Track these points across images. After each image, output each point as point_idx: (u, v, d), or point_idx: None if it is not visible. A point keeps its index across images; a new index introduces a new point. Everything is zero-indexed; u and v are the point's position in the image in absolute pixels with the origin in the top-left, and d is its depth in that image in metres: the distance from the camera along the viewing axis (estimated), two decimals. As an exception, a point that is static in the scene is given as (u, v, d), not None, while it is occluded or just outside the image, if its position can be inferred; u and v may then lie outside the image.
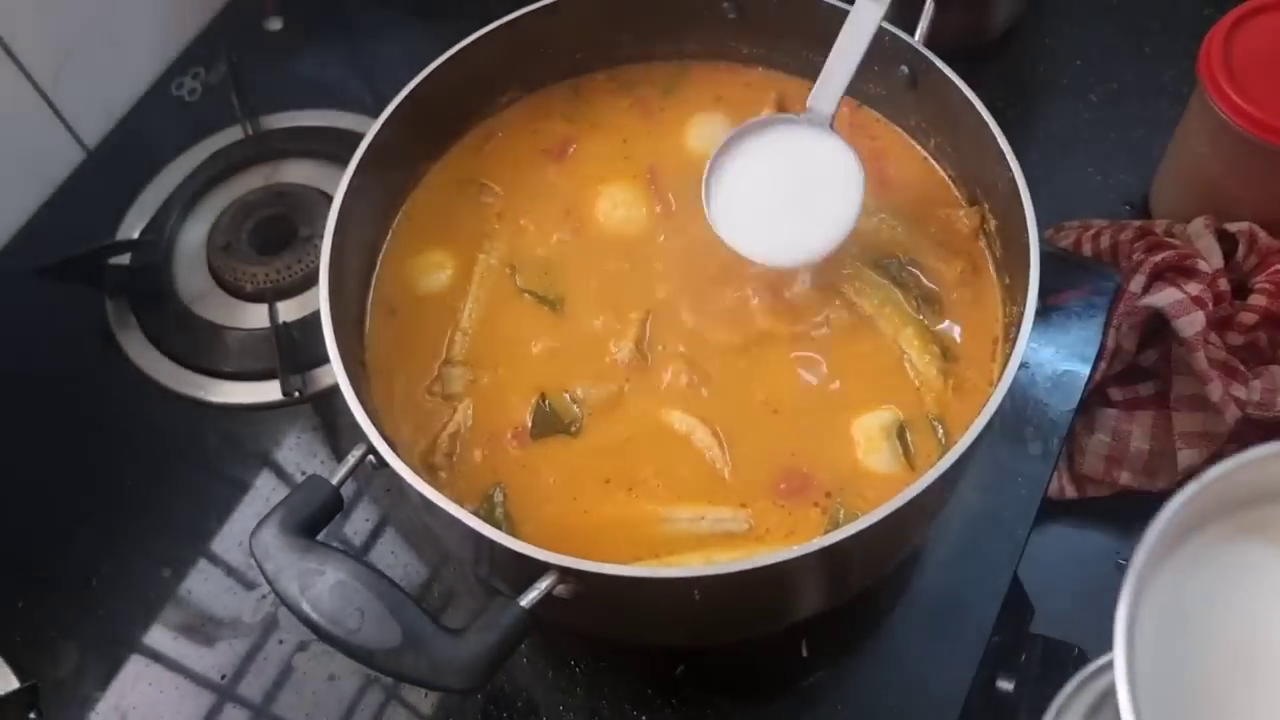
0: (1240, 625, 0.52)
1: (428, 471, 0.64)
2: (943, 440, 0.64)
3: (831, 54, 0.68)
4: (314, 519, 0.55)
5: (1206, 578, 0.54)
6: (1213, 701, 0.50)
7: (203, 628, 0.76)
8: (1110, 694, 0.69)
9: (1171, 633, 0.51)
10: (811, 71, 0.77)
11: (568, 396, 0.67)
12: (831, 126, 0.68)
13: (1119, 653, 0.46)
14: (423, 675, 0.50)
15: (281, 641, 0.75)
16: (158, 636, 0.76)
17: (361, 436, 0.58)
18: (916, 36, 0.69)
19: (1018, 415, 0.79)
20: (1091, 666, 0.70)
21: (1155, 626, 0.50)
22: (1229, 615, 0.53)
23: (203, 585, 0.78)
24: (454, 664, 0.50)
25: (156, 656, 0.75)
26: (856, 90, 0.76)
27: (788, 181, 0.69)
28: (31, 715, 0.72)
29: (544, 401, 0.67)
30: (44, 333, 0.89)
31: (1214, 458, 0.86)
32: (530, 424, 0.66)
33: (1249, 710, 0.50)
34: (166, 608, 0.77)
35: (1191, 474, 0.85)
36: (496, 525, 0.59)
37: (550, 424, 0.66)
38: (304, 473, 0.81)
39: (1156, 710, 0.46)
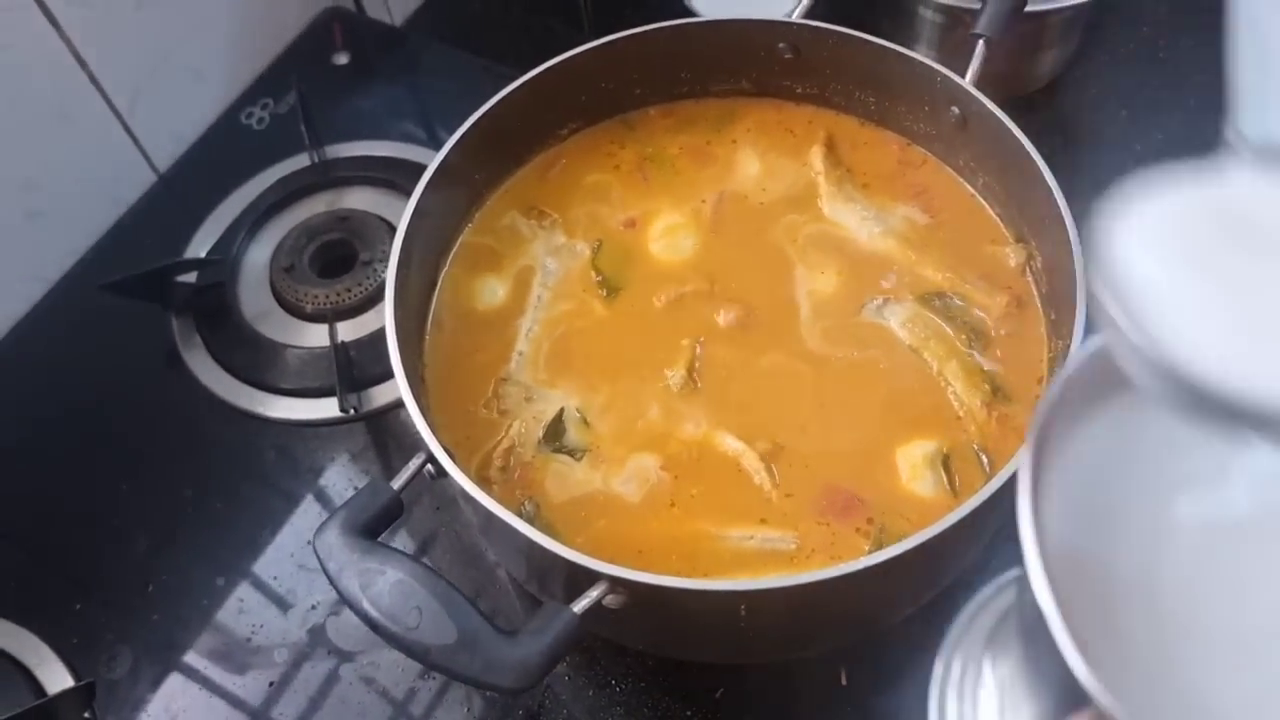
0: (1150, 507, 0.44)
1: (481, 483, 0.66)
2: (987, 470, 0.65)
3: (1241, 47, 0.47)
4: (375, 522, 0.57)
5: (1111, 461, 0.44)
6: (1136, 589, 0.43)
7: (254, 636, 0.78)
8: (1010, 610, 0.61)
9: (1086, 509, 0.44)
10: (862, 111, 0.80)
11: (579, 417, 0.69)
12: None
13: (1025, 524, 0.40)
14: (476, 673, 0.51)
15: (329, 653, 0.76)
16: (209, 643, 0.78)
17: (422, 446, 0.60)
18: (967, 78, 0.71)
19: (1060, 453, 0.80)
20: (987, 590, 0.64)
21: (1067, 504, 0.43)
22: (1137, 497, 0.44)
23: (254, 594, 0.79)
24: (507, 664, 0.51)
25: (207, 663, 0.77)
26: (907, 129, 0.78)
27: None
28: (86, 715, 0.74)
29: (560, 417, 0.69)
30: (112, 346, 0.92)
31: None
32: (542, 435, 0.68)
33: (1176, 594, 0.43)
34: (219, 615, 0.78)
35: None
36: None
37: (559, 439, 0.68)
38: (355, 488, 0.83)
39: (1076, 604, 0.38)
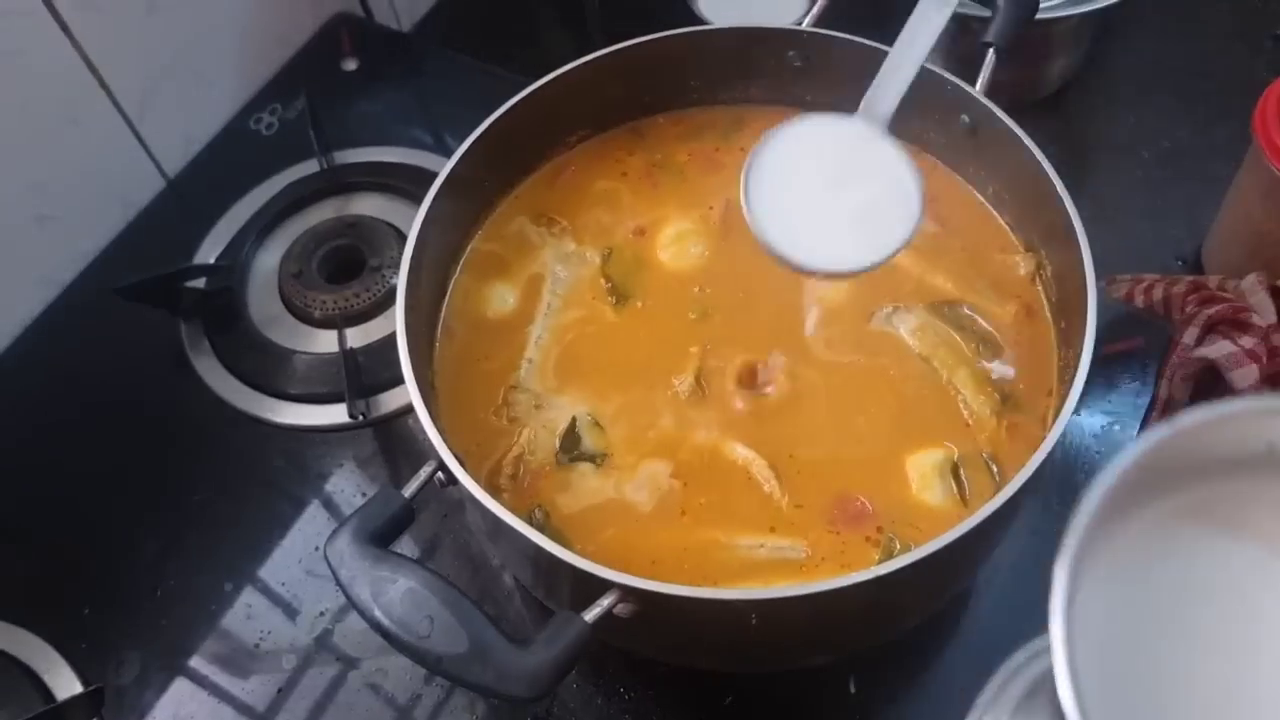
0: (1186, 616, 0.47)
1: (491, 491, 0.66)
2: (997, 478, 0.65)
3: (891, 51, 0.65)
4: (386, 530, 0.57)
5: (1148, 564, 0.48)
6: (1159, 693, 0.46)
7: (261, 641, 0.78)
8: (1043, 682, 0.64)
9: (1113, 619, 0.46)
10: (872, 119, 0.80)
11: (592, 421, 0.69)
12: (888, 130, 0.65)
13: (1057, 641, 0.41)
14: (488, 683, 0.51)
15: (337, 659, 0.76)
16: (216, 648, 0.78)
17: (432, 454, 0.60)
18: (977, 87, 0.71)
19: (1070, 462, 0.80)
20: (1020, 655, 0.65)
21: (1095, 611, 0.45)
22: (1173, 606, 0.47)
23: (262, 600, 0.79)
24: (518, 673, 0.51)
25: (214, 668, 0.77)
26: (918, 137, 0.78)
27: (836, 185, 0.65)
28: (94, 720, 0.74)
29: (573, 426, 0.69)
30: (121, 351, 0.92)
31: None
32: (558, 446, 0.68)
33: (1196, 703, 0.46)
34: (227, 620, 0.79)
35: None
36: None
37: (576, 448, 0.68)
38: (364, 494, 0.84)
39: (1098, 699, 0.41)
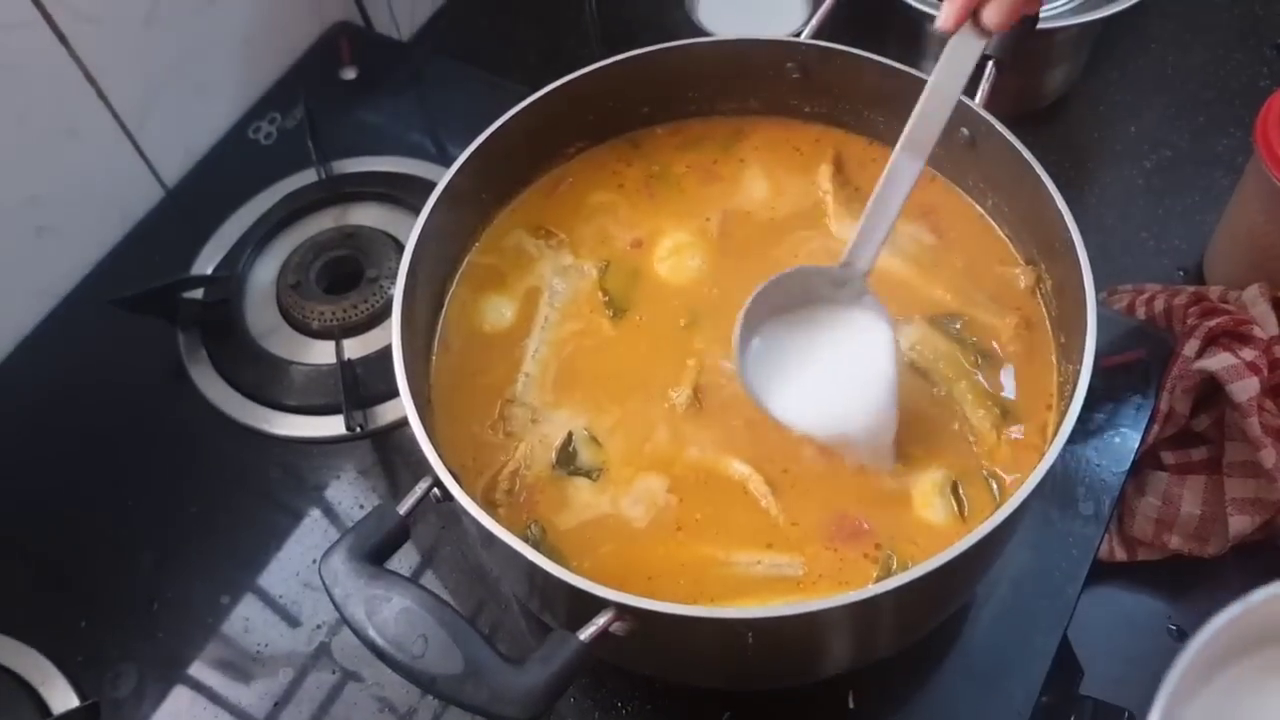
0: None
1: (487, 507, 0.66)
2: (996, 494, 0.65)
3: (868, 207, 0.65)
4: (381, 547, 0.57)
5: (1234, 715, 0.55)
6: None
7: (258, 653, 0.77)
8: None
9: None
10: (870, 130, 0.80)
11: (589, 436, 0.69)
12: (865, 283, 0.66)
13: None
14: (482, 703, 0.51)
15: (334, 672, 0.76)
16: (213, 661, 0.78)
17: (427, 469, 0.60)
18: (977, 100, 0.70)
19: (1070, 475, 0.80)
20: None
21: None
22: None
23: (259, 612, 0.79)
24: (513, 693, 0.51)
25: (212, 681, 0.77)
26: (917, 150, 0.78)
27: (821, 345, 0.66)
28: (91, 734, 0.74)
29: (569, 440, 0.69)
30: (119, 362, 0.92)
31: (1265, 525, 0.86)
32: (555, 460, 0.68)
33: None
34: (224, 632, 0.78)
35: (1242, 540, 0.85)
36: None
37: (572, 462, 0.68)
38: (362, 506, 0.83)
39: None
